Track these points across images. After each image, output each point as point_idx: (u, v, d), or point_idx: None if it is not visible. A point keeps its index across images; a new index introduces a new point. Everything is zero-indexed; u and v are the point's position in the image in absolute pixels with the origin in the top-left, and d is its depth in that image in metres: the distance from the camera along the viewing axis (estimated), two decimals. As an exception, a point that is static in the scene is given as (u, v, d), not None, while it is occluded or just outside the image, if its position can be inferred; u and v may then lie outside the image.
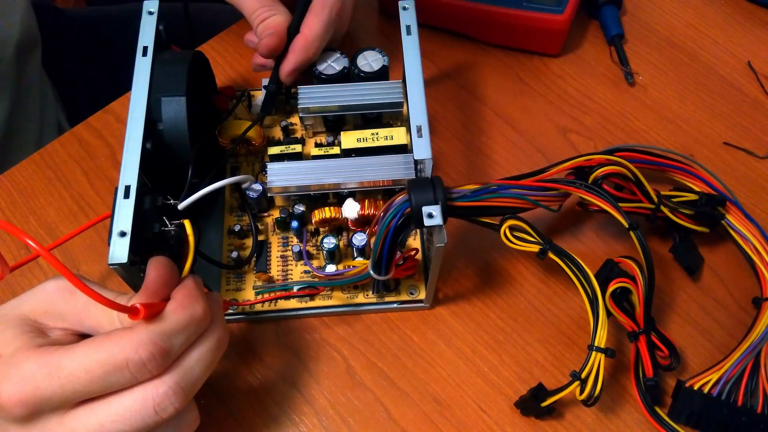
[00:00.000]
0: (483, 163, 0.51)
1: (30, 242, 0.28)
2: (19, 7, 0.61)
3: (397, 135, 0.45)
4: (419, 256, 0.45)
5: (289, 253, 0.46)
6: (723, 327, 0.44)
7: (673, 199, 0.45)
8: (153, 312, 0.32)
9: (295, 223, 0.45)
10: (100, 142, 0.52)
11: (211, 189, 0.39)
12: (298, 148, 0.47)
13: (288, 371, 0.43)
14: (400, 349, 0.44)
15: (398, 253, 0.40)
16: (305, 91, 0.46)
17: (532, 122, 0.53)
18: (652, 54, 0.56)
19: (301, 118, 0.47)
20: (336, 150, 0.47)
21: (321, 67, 0.47)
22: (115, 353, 0.31)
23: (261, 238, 0.46)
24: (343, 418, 0.41)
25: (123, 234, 0.35)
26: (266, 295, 0.44)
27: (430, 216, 0.36)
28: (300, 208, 0.45)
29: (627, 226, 0.40)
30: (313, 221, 0.45)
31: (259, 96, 0.49)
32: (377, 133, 0.45)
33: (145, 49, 0.42)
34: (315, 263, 0.45)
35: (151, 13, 0.44)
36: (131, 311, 0.31)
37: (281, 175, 0.43)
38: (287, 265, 0.46)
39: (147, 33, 0.43)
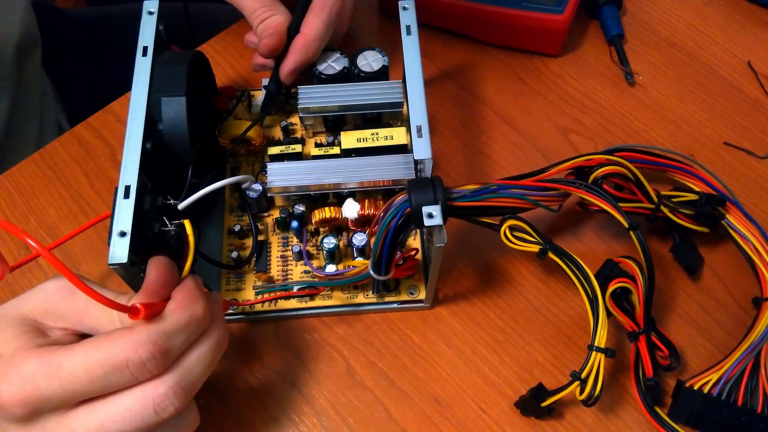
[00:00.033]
0: (483, 163, 0.51)
1: (30, 242, 0.28)
2: (19, 7, 0.61)
3: (397, 135, 0.45)
4: (419, 256, 0.45)
5: (289, 253, 0.46)
6: (723, 327, 0.44)
7: (673, 199, 0.45)
8: (153, 312, 0.32)
9: (295, 223, 0.45)
10: (100, 142, 0.52)
11: (211, 189, 0.39)
12: (298, 148, 0.47)
13: (288, 371, 0.43)
14: (400, 349, 0.44)
15: (398, 253, 0.40)
16: (305, 91, 0.46)
17: (532, 122, 0.53)
18: (652, 54, 0.56)
19: (301, 118, 0.47)
20: (336, 150, 0.47)
21: (321, 67, 0.47)
22: (115, 353, 0.31)
23: (261, 238, 0.46)
24: (343, 418, 0.41)
25: (123, 234, 0.35)
26: (266, 295, 0.44)
27: (430, 216, 0.36)
28: (300, 208, 0.45)
29: (627, 226, 0.40)
30: (313, 221, 0.45)
31: (259, 96, 0.49)
32: (377, 133, 0.45)
33: (145, 49, 0.42)
34: (315, 263, 0.45)
35: (151, 13, 0.44)
36: (131, 311, 0.31)
37: (281, 175, 0.43)
38: (287, 265, 0.46)
39: (147, 33, 0.43)
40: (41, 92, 0.66)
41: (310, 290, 0.44)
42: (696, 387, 0.40)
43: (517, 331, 0.44)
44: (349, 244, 0.44)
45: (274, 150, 0.47)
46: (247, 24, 0.47)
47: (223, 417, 0.41)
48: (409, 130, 0.43)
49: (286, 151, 0.47)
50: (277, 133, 0.50)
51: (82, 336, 0.34)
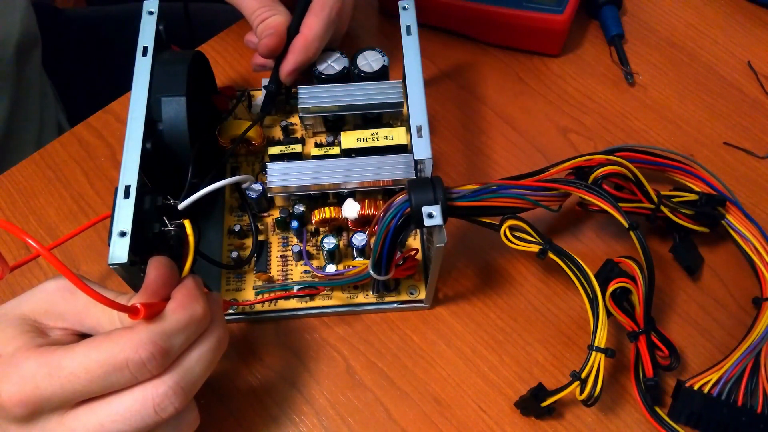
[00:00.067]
0: (483, 163, 0.51)
1: (30, 242, 0.28)
2: (19, 7, 0.61)
3: (397, 135, 0.45)
4: (419, 256, 0.45)
5: (289, 253, 0.46)
6: (723, 327, 0.44)
7: (673, 199, 0.45)
8: (153, 312, 0.32)
9: (295, 223, 0.45)
10: (100, 142, 0.52)
11: (211, 189, 0.39)
12: (298, 148, 0.47)
13: (288, 371, 0.43)
14: (400, 349, 0.44)
15: (398, 253, 0.40)
16: (305, 91, 0.46)
17: (532, 122, 0.53)
18: (652, 54, 0.56)
19: (301, 118, 0.47)
20: (336, 150, 0.47)
21: (321, 67, 0.47)
22: (116, 353, 0.31)
23: (261, 238, 0.46)
24: (343, 418, 0.41)
25: (123, 234, 0.35)
26: (266, 295, 0.44)
27: (430, 216, 0.36)
28: (300, 208, 0.45)
29: (627, 226, 0.40)
30: (313, 221, 0.45)
31: (259, 96, 0.49)
32: (377, 133, 0.45)
33: (145, 49, 0.42)
34: (315, 263, 0.45)
35: (151, 13, 0.44)
36: (131, 311, 0.31)
37: (281, 175, 0.43)
38: (287, 265, 0.46)
39: (147, 33, 0.43)
40: (41, 92, 0.66)
41: (310, 290, 0.44)
42: (696, 387, 0.40)
43: (517, 331, 0.44)
44: (349, 244, 0.44)
45: (274, 150, 0.47)
46: (247, 24, 0.47)
47: (223, 417, 0.41)
48: (409, 130, 0.43)
49: (286, 151, 0.47)
50: (277, 133, 0.50)
51: (82, 336, 0.34)
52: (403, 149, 0.45)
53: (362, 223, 0.44)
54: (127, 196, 0.36)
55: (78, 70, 0.73)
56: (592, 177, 0.42)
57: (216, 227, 0.47)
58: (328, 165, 0.44)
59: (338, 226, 0.46)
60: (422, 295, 0.44)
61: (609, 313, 0.40)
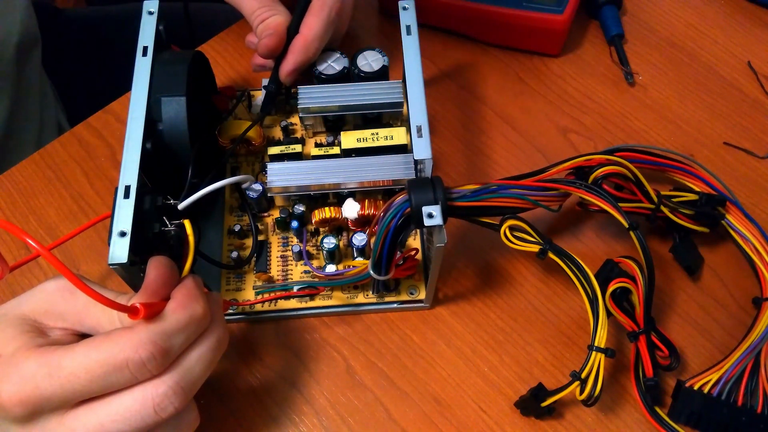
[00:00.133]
0: (483, 163, 0.51)
1: (30, 242, 0.28)
2: (19, 7, 0.61)
3: (397, 135, 0.45)
4: (419, 256, 0.45)
5: (289, 253, 0.46)
6: (723, 327, 0.44)
7: (673, 199, 0.45)
8: (153, 312, 0.32)
9: (295, 223, 0.45)
10: (100, 142, 0.52)
11: (211, 189, 0.39)
12: (298, 148, 0.47)
13: (288, 371, 0.43)
14: (400, 349, 0.44)
15: (398, 253, 0.40)
16: (305, 91, 0.46)
17: (532, 122, 0.53)
18: (652, 54, 0.56)
19: (301, 118, 0.47)
20: (336, 150, 0.47)
21: (321, 67, 0.47)
22: (115, 353, 0.31)
23: (261, 238, 0.46)
24: (343, 418, 0.41)
25: (123, 234, 0.35)
26: (266, 295, 0.44)
27: (430, 216, 0.36)
28: (300, 208, 0.45)
29: (627, 226, 0.40)
30: (313, 221, 0.45)
31: (259, 96, 0.49)
32: (377, 133, 0.45)
33: (145, 49, 0.42)
34: (315, 263, 0.45)
35: (151, 13, 0.44)
36: (131, 311, 0.31)
37: (281, 175, 0.43)
38: (287, 265, 0.46)
39: (147, 33, 0.43)
40: (41, 92, 0.66)
41: (310, 290, 0.44)
42: (696, 387, 0.40)
43: (517, 331, 0.44)
44: (349, 244, 0.44)
45: (274, 150, 0.47)
46: (247, 24, 0.47)
47: (223, 417, 0.41)
48: (409, 130, 0.43)
49: (286, 151, 0.47)
50: (277, 133, 0.50)
51: (82, 336, 0.34)
52: (403, 149, 0.45)
53: (362, 223, 0.44)
54: (127, 196, 0.36)
55: (78, 70, 0.73)
56: (592, 177, 0.42)
57: (216, 227, 0.47)
58: (328, 165, 0.44)
59: (338, 226, 0.46)
60: (422, 295, 0.44)
61: (609, 313, 0.40)
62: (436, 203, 0.36)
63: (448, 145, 0.52)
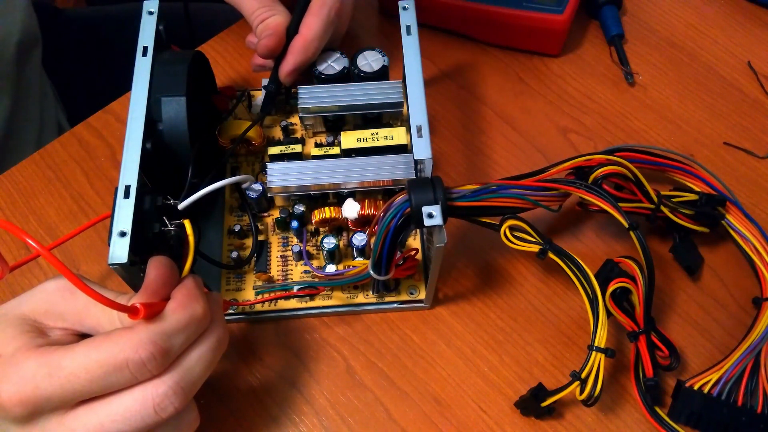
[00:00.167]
0: (483, 163, 0.51)
1: (30, 242, 0.28)
2: (19, 7, 0.61)
3: (397, 135, 0.45)
4: (419, 256, 0.45)
5: (289, 253, 0.46)
6: (723, 327, 0.44)
7: (673, 199, 0.45)
8: (153, 312, 0.32)
9: (295, 223, 0.45)
10: (100, 142, 0.52)
11: (211, 189, 0.39)
12: (298, 148, 0.47)
13: (288, 371, 0.43)
14: (400, 349, 0.44)
15: (398, 253, 0.40)
16: (305, 91, 0.46)
17: (532, 122, 0.53)
18: (652, 54, 0.56)
19: (301, 118, 0.47)
20: (336, 150, 0.47)
21: (321, 67, 0.47)
22: (115, 353, 0.31)
23: (261, 238, 0.46)
24: (343, 418, 0.41)
25: (123, 234, 0.35)
26: (266, 295, 0.44)
27: (430, 216, 0.36)
28: (300, 208, 0.45)
29: (627, 226, 0.40)
30: (313, 221, 0.45)
31: (259, 96, 0.49)
32: (377, 133, 0.45)
33: (145, 49, 0.42)
34: (315, 263, 0.45)
35: (151, 13, 0.44)
36: (131, 311, 0.31)
37: (281, 175, 0.43)
38: (287, 265, 0.46)
39: (147, 33, 0.43)
40: (41, 92, 0.66)
41: (310, 290, 0.44)
42: (696, 387, 0.40)
43: (517, 331, 0.44)
44: (349, 244, 0.44)
45: (274, 150, 0.47)
46: (247, 24, 0.47)
47: (223, 417, 0.41)
48: (409, 130, 0.43)
49: (286, 151, 0.47)
50: (277, 133, 0.50)
51: (82, 336, 0.34)
52: (403, 149, 0.45)
53: (362, 223, 0.44)
54: (127, 196, 0.36)
55: (78, 70, 0.73)
56: (592, 177, 0.42)
57: (216, 227, 0.47)
58: (328, 165, 0.44)
59: (338, 226, 0.46)
60: (422, 295, 0.44)
61: (609, 313, 0.40)
62: (436, 203, 0.36)
63: (448, 145, 0.52)
